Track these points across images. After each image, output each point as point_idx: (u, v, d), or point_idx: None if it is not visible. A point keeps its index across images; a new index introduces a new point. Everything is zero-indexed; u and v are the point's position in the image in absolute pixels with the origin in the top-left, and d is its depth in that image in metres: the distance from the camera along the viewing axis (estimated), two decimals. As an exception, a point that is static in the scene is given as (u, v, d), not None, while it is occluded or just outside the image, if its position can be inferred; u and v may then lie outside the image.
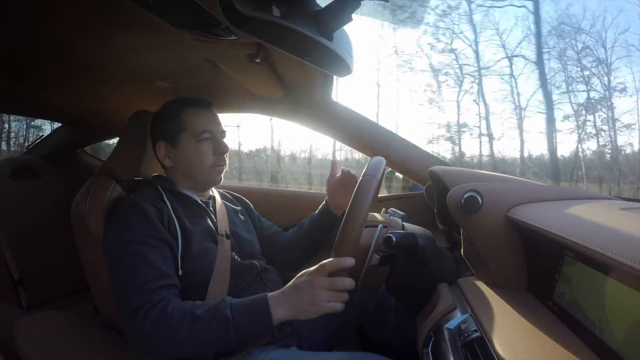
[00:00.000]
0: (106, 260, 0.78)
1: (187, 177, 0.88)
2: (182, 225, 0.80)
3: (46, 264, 1.41)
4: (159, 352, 0.69)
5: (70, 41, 0.73)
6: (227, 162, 0.92)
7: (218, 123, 0.90)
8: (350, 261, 0.63)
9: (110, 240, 0.78)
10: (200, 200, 0.89)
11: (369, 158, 0.77)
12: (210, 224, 0.86)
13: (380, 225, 0.76)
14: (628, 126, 6.24)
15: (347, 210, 0.68)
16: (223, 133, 0.91)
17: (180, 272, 0.77)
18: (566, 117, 6.45)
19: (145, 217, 0.76)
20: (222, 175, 0.91)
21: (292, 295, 0.66)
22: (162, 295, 0.70)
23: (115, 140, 1.50)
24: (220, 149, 0.88)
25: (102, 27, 0.67)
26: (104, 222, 0.83)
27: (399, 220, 0.86)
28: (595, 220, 0.51)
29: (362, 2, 0.53)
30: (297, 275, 0.68)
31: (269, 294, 0.67)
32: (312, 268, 0.66)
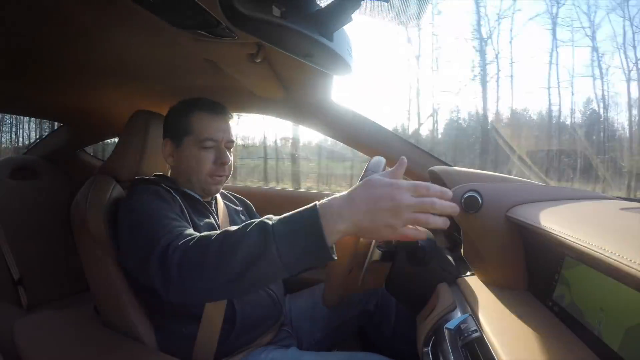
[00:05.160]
0: (123, 244, 0.74)
1: (186, 180, 0.88)
2: (192, 220, 0.79)
3: (46, 264, 1.41)
4: (190, 283, 0.56)
5: (70, 41, 0.73)
6: (231, 171, 0.89)
7: (226, 131, 0.86)
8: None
9: (123, 221, 0.75)
10: (203, 200, 0.89)
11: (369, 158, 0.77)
12: (214, 222, 0.86)
13: None
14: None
15: None
16: (230, 143, 0.88)
17: None
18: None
19: (159, 198, 0.75)
20: (221, 185, 0.89)
21: (363, 203, 0.48)
22: (192, 233, 0.62)
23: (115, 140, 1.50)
24: (220, 160, 0.85)
25: (102, 27, 0.67)
26: (105, 220, 0.83)
27: None
28: (595, 220, 0.51)
29: (362, 2, 0.53)
30: (367, 180, 0.51)
31: (320, 202, 0.51)
32: (382, 175, 0.52)
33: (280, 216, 0.52)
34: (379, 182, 0.49)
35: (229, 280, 0.52)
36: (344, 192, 0.51)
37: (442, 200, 0.48)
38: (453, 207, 0.49)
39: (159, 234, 0.63)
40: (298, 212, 0.51)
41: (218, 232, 0.55)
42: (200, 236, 0.57)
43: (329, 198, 0.51)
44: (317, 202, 0.50)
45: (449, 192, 0.50)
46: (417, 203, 0.47)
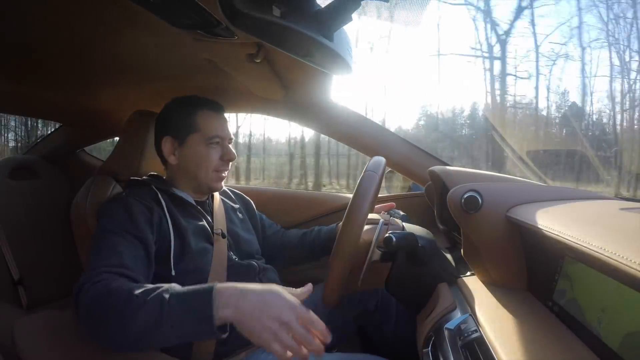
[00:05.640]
0: None
1: (189, 178, 0.88)
2: (176, 225, 0.80)
3: (46, 264, 1.40)
4: (94, 331, 0.61)
5: (70, 41, 0.73)
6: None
7: (227, 129, 0.90)
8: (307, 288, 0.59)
9: (98, 224, 0.77)
10: (196, 200, 0.89)
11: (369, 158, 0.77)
12: (205, 223, 0.86)
13: (381, 221, 0.76)
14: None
15: (349, 206, 0.68)
16: (231, 140, 0.90)
17: (173, 272, 0.76)
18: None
19: (129, 214, 0.75)
20: (223, 182, 0.91)
21: (251, 300, 0.54)
22: (112, 277, 0.65)
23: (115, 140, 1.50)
24: (227, 156, 0.88)
25: (102, 27, 0.67)
26: None
27: (399, 220, 0.86)
28: (595, 220, 0.51)
29: (362, 2, 0.53)
30: (274, 287, 0.57)
31: (220, 285, 0.56)
32: (293, 292, 0.58)
33: (179, 291, 0.57)
34: (281, 295, 0.55)
35: (127, 340, 0.58)
36: (246, 285, 0.56)
37: (314, 340, 0.54)
38: (317, 348, 0.54)
39: (91, 265, 0.67)
40: (195, 292, 0.56)
41: (125, 288, 0.59)
42: (110, 288, 0.60)
43: (227, 284, 0.56)
44: (214, 286, 0.55)
45: (326, 336, 0.55)
46: (295, 330, 0.53)
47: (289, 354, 0.52)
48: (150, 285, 0.60)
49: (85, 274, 0.65)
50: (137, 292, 0.58)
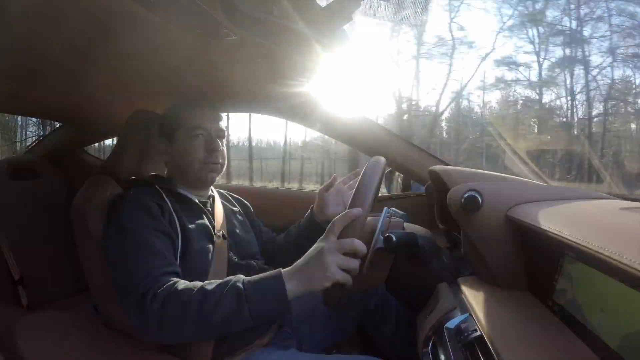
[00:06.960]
0: (107, 255, 0.77)
1: (182, 174, 0.89)
2: (182, 223, 0.80)
3: (46, 264, 1.40)
4: (170, 333, 0.66)
5: (70, 41, 0.73)
6: (224, 161, 0.91)
7: (214, 120, 0.89)
8: (357, 211, 0.63)
9: (112, 234, 0.77)
10: (199, 200, 0.89)
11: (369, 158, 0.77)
12: (208, 223, 0.86)
13: (385, 209, 0.76)
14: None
15: (354, 192, 0.68)
16: (220, 132, 0.90)
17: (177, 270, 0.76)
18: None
19: (147, 211, 0.76)
20: (216, 173, 0.90)
21: (303, 266, 0.64)
22: (170, 278, 0.69)
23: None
24: (210, 146, 0.87)
25: (102, 26, 0.67)
26: (104, 220, 0.83)
27: (400, 220, 0.86)
28: (595, 220, 0.51)
29: (362, 2, 0.53)
30: (312, 249, 0.65)
31: (283, 269, 0.65)
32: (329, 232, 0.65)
33: (250, 279, 0.65)
34: (319, 251, 0.63)
35: (206, 333, 0.66)
36: (296, 262, 0.65)
37: (352, 259, 0.62)
38: (354, 268, 0.62)
39: (138, 276, 0.68)
40: (266, 278, 0.64)
41: (196, 288, 0.64)
42: (180, 290, 0.65)
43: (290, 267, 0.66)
44: (281, 270, 0.64)
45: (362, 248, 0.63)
46: (343, 266, 0.61)
47: (349, 279, 0.62)
48: (216, 280, 0.66)
49: (139, 282, 0.67)
50: (210, 288, 0.64)
